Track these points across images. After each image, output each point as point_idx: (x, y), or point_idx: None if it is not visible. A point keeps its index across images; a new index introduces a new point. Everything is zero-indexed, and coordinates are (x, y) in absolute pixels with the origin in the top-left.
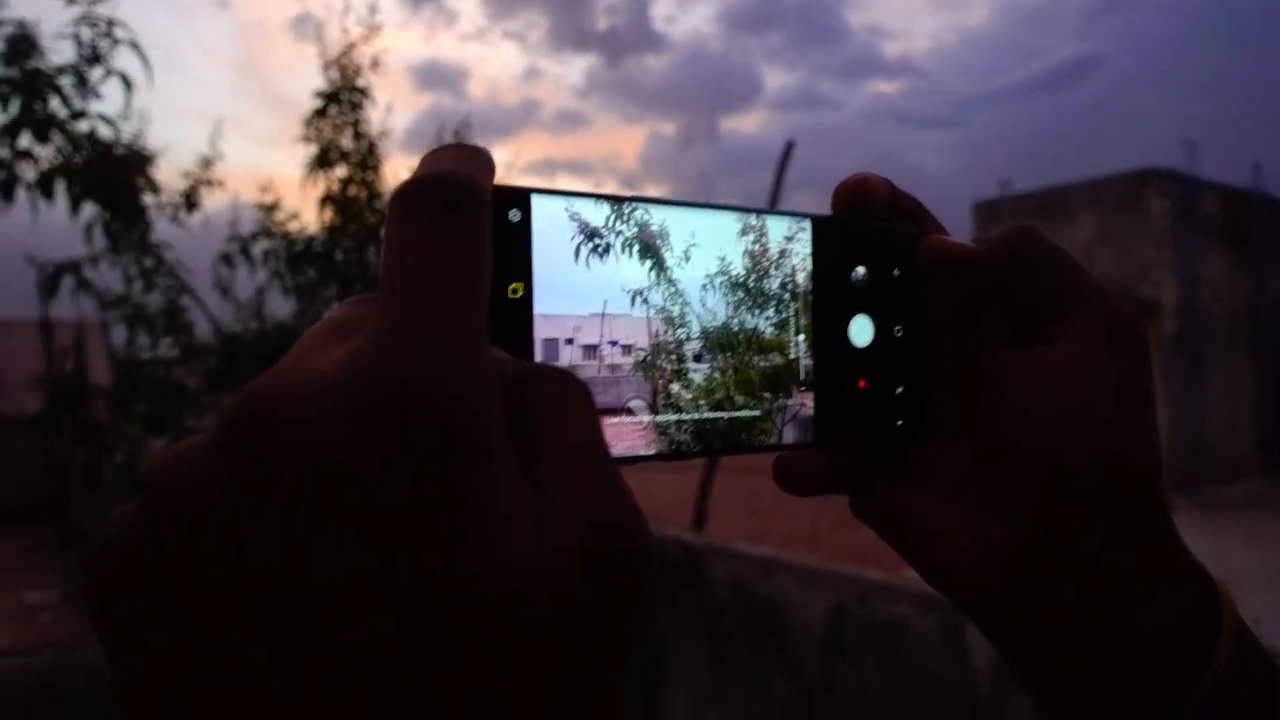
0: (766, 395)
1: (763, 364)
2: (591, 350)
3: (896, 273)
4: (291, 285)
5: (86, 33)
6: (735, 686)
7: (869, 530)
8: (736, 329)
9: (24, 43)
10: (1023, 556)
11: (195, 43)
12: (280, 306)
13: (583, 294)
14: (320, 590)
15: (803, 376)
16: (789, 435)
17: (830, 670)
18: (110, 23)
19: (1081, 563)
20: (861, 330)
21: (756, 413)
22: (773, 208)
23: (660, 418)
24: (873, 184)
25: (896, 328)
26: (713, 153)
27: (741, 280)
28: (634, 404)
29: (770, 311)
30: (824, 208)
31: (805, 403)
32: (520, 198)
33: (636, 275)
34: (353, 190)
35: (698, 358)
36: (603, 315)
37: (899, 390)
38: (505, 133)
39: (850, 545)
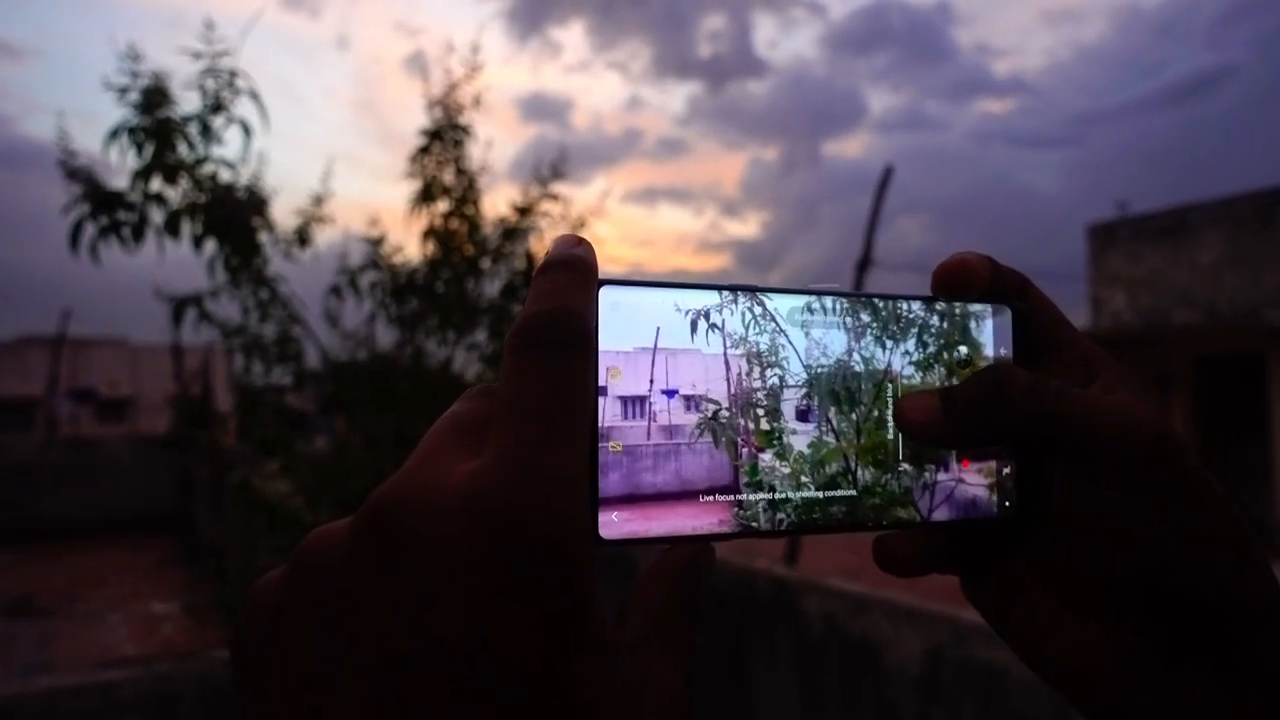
0: (907, 468)
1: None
2: (637, 404)
3: (1003, 351)
4: (395, 315)
5: (211, 83)
6: None
7: None
8: (861, 370)
9: (158, 94)
10: (1124, 664)
11: (318, 83)
12: (386, 336)
13: (624, 318)
14: (414, 687)
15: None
16: (936, 516)
17: (926, 712)
18: (233, 74)
19: (1182, 684)
20: None
21: (893, 490)
22: (871, 234)
23: (746, 497)
24: (971, 265)
25: None
26: (814, 177)
27: (867, 302)
28: (705, 497)
29: (912, 343)
30: (929, 233)
31: (965, 477)
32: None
33: (701, 294)
34: (453, 224)
35: (803, 413)
36: (654, 350)
37: (1005, 471)
38: (608, 161)
39: (949, 584)
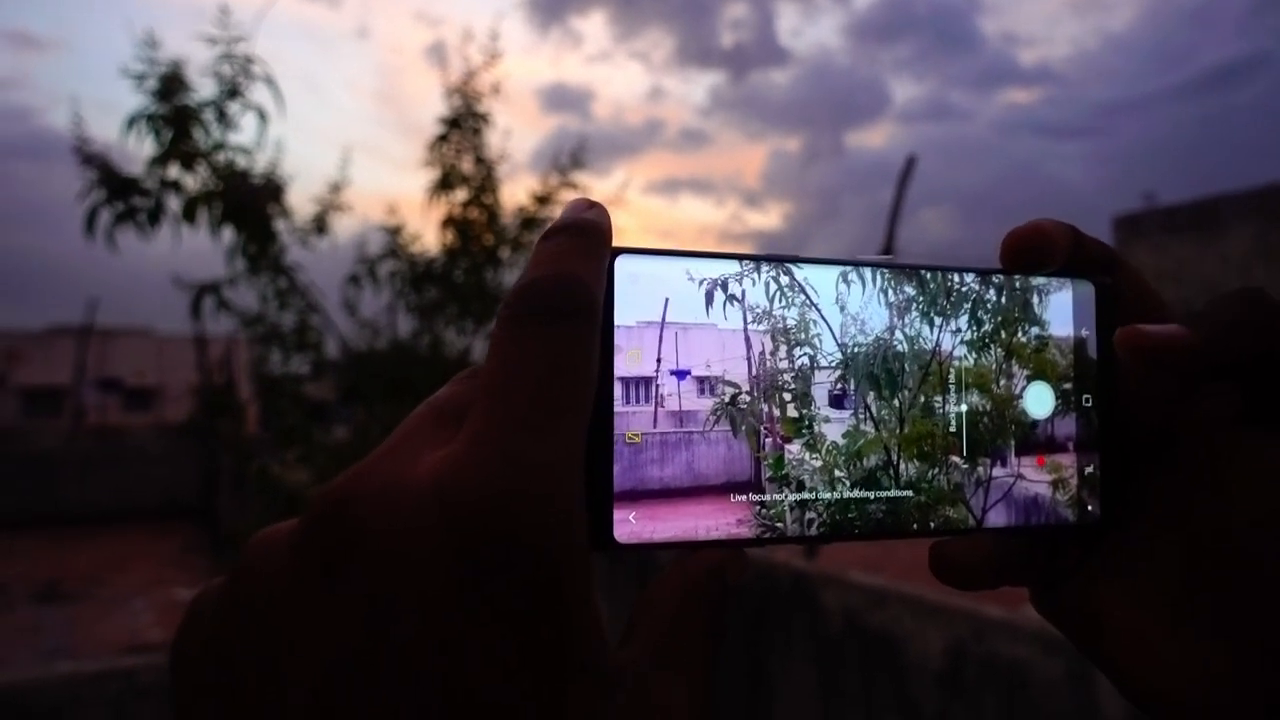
0: (958, 461)
1: (957, 410)
2: (643, 386)
3: (1085, 332)
4: (414, 305)
5: (227, 69)
6: (848, 718)
7: None
8: (905, 349)
9: (175, 81)
10: (1238, 683)
11: (338, 74)
12: (405, 325)
13: (636, 291)
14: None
15: (1018, 431)
16: (996, 519)
17: (947, 708)
18: (248, 59)
19: None
20: (1039, 399)
21: (941, 487)
22: (893, 225)
23: (770, 495)
24: (1049, 232)
25: (1084, 396)
26: (837, 168)
27: (913, 273)
28: (732, 496)
29: (964, 321)
30: (953, 225)
31: (1025, 473)
32: None
33: (719, 263)
34: (472, 213)
35: (837, 399)
36: (661, 324)
37: (1088, 470)
38: (630, 152)
39: None
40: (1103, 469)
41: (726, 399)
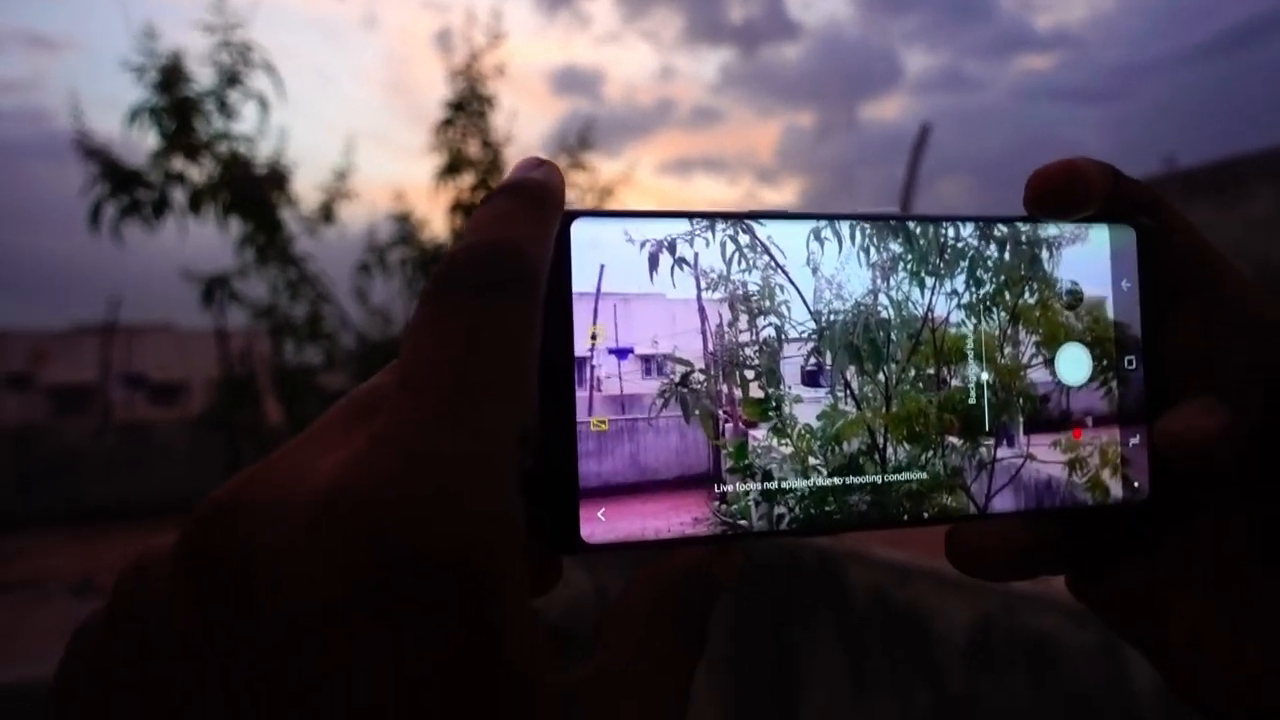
0: (955, 441)
1: (955, 384)
2: (578, 366)
3: (1125, 285)
4: None
5: (225, 58)
6: (876, 697)
7: None
8: (890, 316)
9: (175, 72)
10: None
11: (347, 64)
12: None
13: (587, 256)
14: None
15: (1026, 405)
16: (1001, 505)
17: (974, 682)
18: (246, 47)
19: None
20: (1074, 363)
21: (936, 472)
22: (907, 196)
23: (731, 488)
24: (1083, 170)
25: (1128, 359)
26: (851, 142)
27: (900, 225)
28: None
29: (961, 281)
30: (970, 194)
31: (1035, 453)
32: None
33: (670, 222)
34: (479, 197)
35: (811, 375)
36: (596, 295)
37: (1133, 441)
38: (641, 132)
39: None
40: (1150, 440)
41: (676, 379)
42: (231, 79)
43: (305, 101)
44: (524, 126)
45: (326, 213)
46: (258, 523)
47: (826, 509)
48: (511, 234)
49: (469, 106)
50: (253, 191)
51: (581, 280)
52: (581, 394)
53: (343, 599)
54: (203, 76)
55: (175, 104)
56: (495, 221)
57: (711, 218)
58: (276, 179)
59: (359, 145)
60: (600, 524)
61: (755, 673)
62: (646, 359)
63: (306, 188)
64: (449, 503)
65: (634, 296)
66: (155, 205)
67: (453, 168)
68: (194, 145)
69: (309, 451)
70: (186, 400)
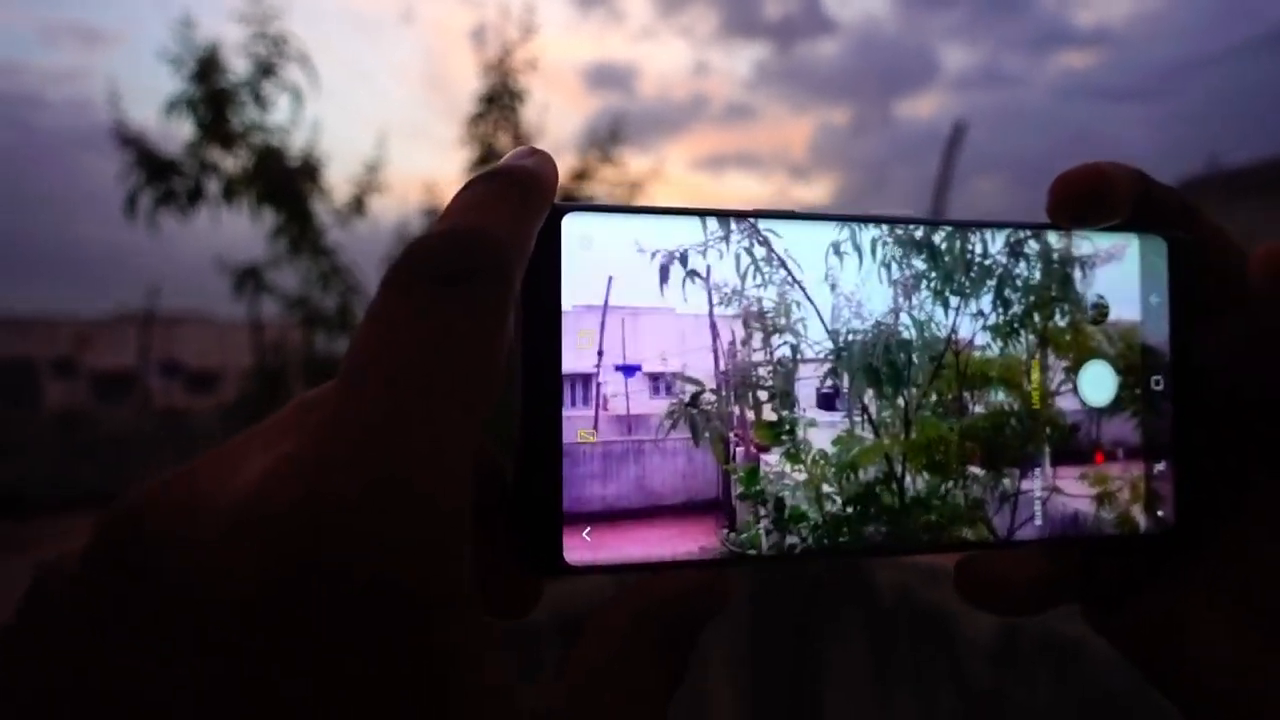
0: (977, 471)
1: (979, 410)
2: (580, 385)
3: (1154, 300)
4: None
5: (260, 49)
6: (899, 696)
7: None
8: (912, 337)
9: (211, 63)
10: None
11: (383, 60)
12: None
13: (580, 255)
14: None
15: (1053, 434)
16: (1036, 531)
17: (1000, 684)
18: (281, 38)
19: None
20: (1099, 382)
21: (956, 503)
22: (940, 195)
23: (741, 515)
24: (1110, 176)
25: (1154, 378)
26: (886, 139)
27: (924, 239)
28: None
29: (987, 301)
30: (1007, 194)
31: (1061, 485)
32: None
33: (681, 226)
34: None
35: (827, 398)
36: (604, 308)
37: (1158, 468)
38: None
39: None
40: (1177, 466)
41: (686, 399)
42: (266, 70)
43: (339, 94)
44: (556, 121)
45: (358, 205)
46: (165, 530)
47: (840, 540)
48: (485, 221)
49: (501, 100)
50: (285, 183)
51: (589, 293)
52: (576, 411)
53: (248, 611)
54: (239, 68)
55: (211, 95)
56: (470, 208)
57: (711, 216)
58: (309, 170)
59: (391, 138)
60: (584, 546)
61: (777, 669)
62: (655, 377)
63: (339, 180)
64: (367, 521)
65: (643, 310)
66: (190, 194)
67: (484, 161)
68: (229, 136)
69: (238, 454)
70: (221, 389)
